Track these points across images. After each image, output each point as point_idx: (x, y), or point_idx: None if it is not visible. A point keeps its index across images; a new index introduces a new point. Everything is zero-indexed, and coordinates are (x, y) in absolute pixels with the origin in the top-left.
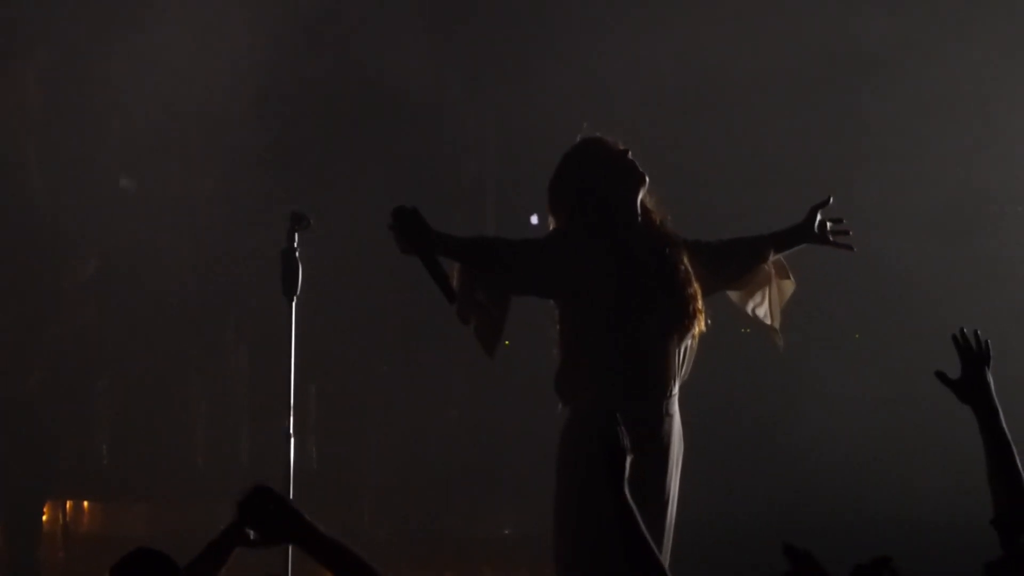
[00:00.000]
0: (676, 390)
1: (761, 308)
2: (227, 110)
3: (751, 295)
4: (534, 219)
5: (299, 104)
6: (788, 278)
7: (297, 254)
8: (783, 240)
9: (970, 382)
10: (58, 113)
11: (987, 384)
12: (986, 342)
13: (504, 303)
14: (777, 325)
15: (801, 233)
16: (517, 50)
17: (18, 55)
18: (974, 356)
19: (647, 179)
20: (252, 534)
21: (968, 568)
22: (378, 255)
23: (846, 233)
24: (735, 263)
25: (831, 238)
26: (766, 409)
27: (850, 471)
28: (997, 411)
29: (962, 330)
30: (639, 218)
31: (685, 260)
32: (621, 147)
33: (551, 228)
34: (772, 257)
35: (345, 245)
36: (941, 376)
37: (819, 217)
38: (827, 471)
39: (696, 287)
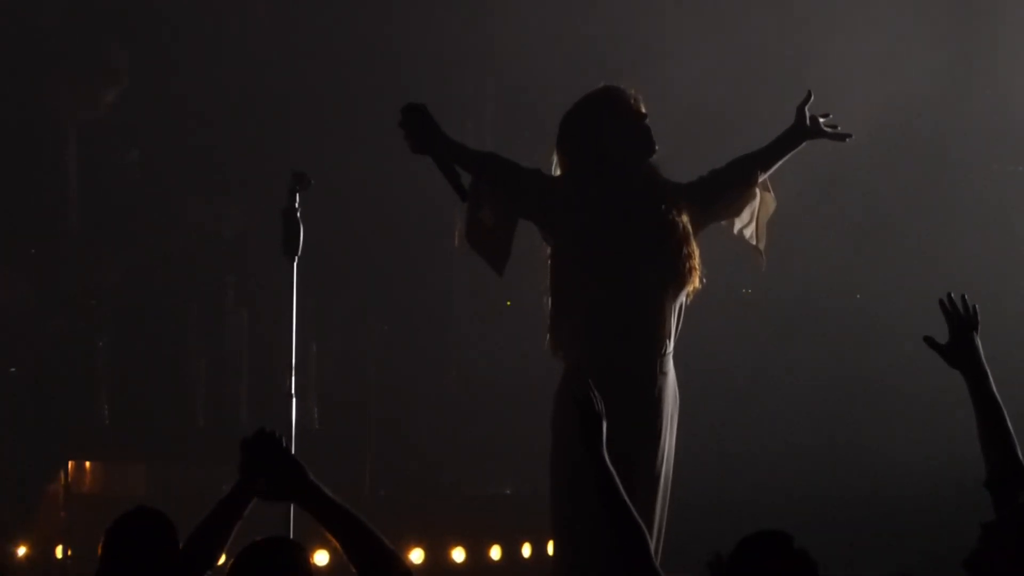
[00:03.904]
0: (671, 348)
1: (748, 228)
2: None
3: (738, 214)
4: None
5: (297, 63)
6: (769, 192)
7: (299, 214)
8: (776, 150)
9: (958, 347)
10: None
11: (976, 349)
12: (974, 307)
13: (510, 224)
14: (762, 246)
15: (794, 134)
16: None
17: None
18: (962, 321)
19: (656, 149)
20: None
21: (962, 531)
22: (379, 214)
23: (836, 126)
24: (727, 195)
25: (827, 130)
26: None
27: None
28: (987, 374)
29: (949, 295)
30: (641, 177)
31: (684, 218)
32: (642, 110)
33: (554, 164)
34: (762, 176)
35: (346, 203)
36: (930, 341)
37: (808, 113)
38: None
39: (694, 244)
